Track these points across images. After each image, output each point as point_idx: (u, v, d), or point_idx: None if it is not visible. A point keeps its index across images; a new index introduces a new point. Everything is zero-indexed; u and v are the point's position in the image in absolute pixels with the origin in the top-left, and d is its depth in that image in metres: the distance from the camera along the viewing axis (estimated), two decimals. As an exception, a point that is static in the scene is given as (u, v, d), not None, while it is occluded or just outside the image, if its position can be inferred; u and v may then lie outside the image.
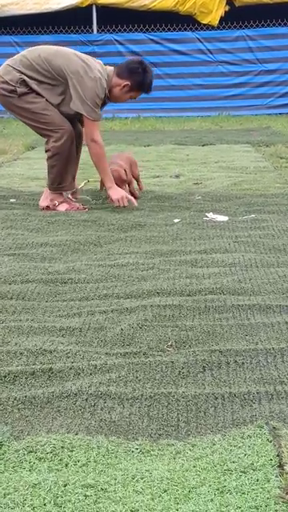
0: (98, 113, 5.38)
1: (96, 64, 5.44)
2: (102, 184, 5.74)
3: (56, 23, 14.19)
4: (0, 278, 3.84)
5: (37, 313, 3.37)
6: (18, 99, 5.41)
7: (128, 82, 5.46)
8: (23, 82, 5.38)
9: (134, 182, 6.08)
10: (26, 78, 5.37)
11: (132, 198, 5.56)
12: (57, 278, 3.85)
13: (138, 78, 5.48)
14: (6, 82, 5.39)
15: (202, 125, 12.59)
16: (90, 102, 5.30)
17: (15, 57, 5.57)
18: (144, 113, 13.99)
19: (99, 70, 5.38)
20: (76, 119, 5.60)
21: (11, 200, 5.93)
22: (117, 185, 5.56)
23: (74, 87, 5.30)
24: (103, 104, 5.54)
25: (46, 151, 5.56)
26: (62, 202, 5.62)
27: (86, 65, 5.34)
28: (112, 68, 5.52)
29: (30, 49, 5.66)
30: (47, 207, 5.57)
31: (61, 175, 5.55)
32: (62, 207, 5.59)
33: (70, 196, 5.74)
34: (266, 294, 3.56)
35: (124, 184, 5.73)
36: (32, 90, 5.40)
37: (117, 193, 5.49)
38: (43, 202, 5.64)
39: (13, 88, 5.38)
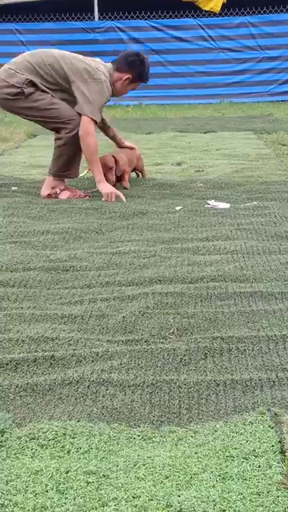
0: (99, 114, 5.44)
1: (99, 65, 5.48)
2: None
3: (57, 10, 14.15)
4: (2, 265, 3.84)
5: (38, 300, 3.37)
6: (24, 100, 5.40)
7: (129, 75, 5.55)
8: (30, 83, 5.37)
9: (133, 174, 6.07)
10: (32, 78, 5.37)
11: (121, 194, 5.47)
12: (58, 265, 3.84)
13: (137, 70, 5.58)
14: (13, 86, 5.37)
15: (204, 112, 12.57)
16: (97, 105, 5.36)
17: (16, 60, 5.54)
18: (146, 100, 13.98)
19: (103, 71, 5.44)
20: None
21: (13, 188, 5.92)
22: (104, 173, 5.56)
23: (80, 91, 5.34)
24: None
25: (57, 139, 5.55)
26: (63, 190, 5.64)
27: (90, 67, 5.38)
28: (111, 64, 5.59)
29: (31, 52, 5.65)
30: (49, 195, 5.57)
31: (68, 164, 5.58)
32: (64, 195, 5.61)
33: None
34: (268, 281, 3.55)
35: (109, 171, 5.66)
36: (37, 88, 5.39)
37: (105, 187, 5.47)
38: (45, 190, 5.63)
39: (19, 90, 5.36)
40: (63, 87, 5.43)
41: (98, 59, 5.66)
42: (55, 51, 5.66)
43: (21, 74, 5.38)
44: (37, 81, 5.38)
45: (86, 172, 6.09)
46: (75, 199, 5.51)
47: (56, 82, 5.42)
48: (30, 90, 5.38)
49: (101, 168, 5.50)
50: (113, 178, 5.67)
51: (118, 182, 5.79)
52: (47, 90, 5.41)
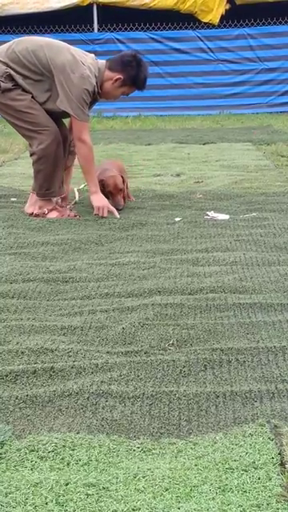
0: (85, 113, 5.04)
1: (87, 59, 5.08)
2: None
3: (57, 22, 14.18)
4: (1, 277, 3.84)
5: (38, 312, 3.37)
6: (1, 95, 5.06)
7: (120, 76, 5.09)
8: (9, 77, 5.03)
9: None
10: (11, 71, 5.02)
11: (114, 209, 5.23)
12: (58, 276, 3.85)
13: (131, 72, 5.10)
14: None
15: (203, 123, 12.59)
16: (77, 101, 4.96)
17: (1, 47, 5.16)
18: (145, 111, 14.00)
19: (89, 65, 5.02)
20: (62, 118, 5.33)
21: (12, 199, 5.92)
22: (111, 192, 5.36)
23: (61, 84, 4.95)
24: (94, 101, 5.26)
25: (31, 155, 5.21)
26: (51, 210, 5.29)
27: (75, 60, 4.97)
28: (104, 62, 5.15)
29: (18, 39, 5.25)
30: (36, 215, 5.25)
31: (48, 180, 5.21)
32: (52, 215, 5.26)
33: (59, 201, 5.37)
34: (268, 292, 3.56)
35: (120, 193, 5.42)
36: (17, 86, 5.05)
37: (99, 200, 5.18)
38: (29, 208, 5.34)
39: None
40: (47, 77, 5.03)
41: (91, 54, 5.23)
42: (44, 39, 5.35)
43: (1, 63, 5.02)
44: (19, 71, 5.00)
45: (83, 186, 5.97)
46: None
47: (40, 72, 5.02)
48: (8, 85, 5.02)
49: (96, 179, 5.22)
50: (121, 201, 5.39)
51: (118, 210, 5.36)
52: (28, 89, 5.05)
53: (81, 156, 5.15)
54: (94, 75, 5.03)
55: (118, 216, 5.19)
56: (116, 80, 5.11)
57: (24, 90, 5.07)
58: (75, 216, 5.27)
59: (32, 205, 5.32)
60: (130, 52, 5.38)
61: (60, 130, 5.21)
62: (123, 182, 5.46)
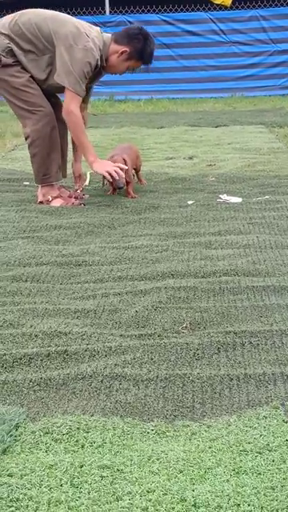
0: (82, 86, 4.88)
1: (92, 31, 4.98)
2: (104, 178, 5.29)
3: (68, 5, 14.12)
4: (15, 260, 3.85)
5: (51, 295, 3.37)
6: (0, 69, 4.96)
7: (126, 49, 5.00)
8: (10, 52, 4.95)
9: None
10: (13, 46, 4.94)
11: (120, 164, 5.02)
12: (71, 260, 3.85)
13: (137, 45, 5.02)
14: None
15: (215, 106, 12.54)
16: (77, 74, 4.82)
17: (4, 20, 5.07)
18: (157, 94, 13.95)
19: (93, 38, 4.91)
20: (60, 93, 5.17)
21: (25, 183, 5.93)
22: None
23: (61, 56, 4.84)
24: (98, 75, 5.17)
25: (26, 138, 5.12)
26: (55, 197, 5.18)
27: (79, 32, 4.86)
28: (110, 35, 5.09)
29: (23, 11, 5.12)
30: (40, 202, 5.18)
31: (44, 164, 5.11)
32: (57, 202, 5.16)
33: (60, 187, 5.29)
34: (281, 275, 3.55)
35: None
36: (17, 63, 4.97)
37: (102, 166, 4.97)
38: (38, 198, 5.25)
39: None
40: (49, 51, 4.93)
41: (97, 28, 5.14)
42: (49, 11, 5.18)
43: (4, 36, 4.93)
44: (20, 45, 4.92)
45: (89, 176, 5.87)
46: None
47: (43, 46, 4.93)
48: (9, 60, 4.94)
49: (92, 148, 5.03)
50: (123, 180, 5.09)
51: (120, 188, 5.22)
52: (28, 67, 4.95)
53: (70, 127, 5.01)
54: (98, 48, 4.93)
55: (124, 175, 5.01)
56: (122, 53, 5.03)
57: (23, 68, 5.00)
58: (80, 204, 5.16)
59: (39, 194, 5.25)
60: (136, 26, 5.28)
61: (56, 113, 5.11)
62: (125, 163, 5.19)
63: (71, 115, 4.93)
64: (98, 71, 5.07)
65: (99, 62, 4.97)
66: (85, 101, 5.32)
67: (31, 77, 5.02)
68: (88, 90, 5.17)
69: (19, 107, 5.06)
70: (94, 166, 5.00)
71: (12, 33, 4.95)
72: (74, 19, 5.10)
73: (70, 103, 4.90)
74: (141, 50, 5.05)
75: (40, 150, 5.08)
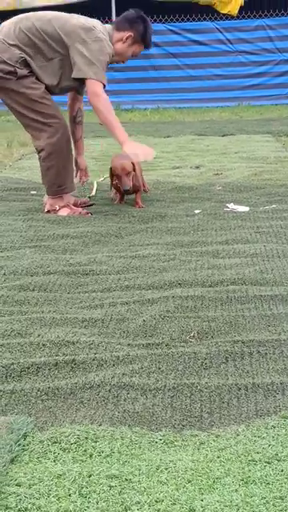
0: (104, 75, 4.88)
1: (95, 23, 5.00)
2: (114, 188, 5.36)
3: (75, 13, 14.18)
4: (22, 269, 3.85)
5: (59, 304, 3.37)
6: (15, 82, 4.88)
7: (131, 33, 5.04)
8: (23, 62, 4.89)
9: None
10: (26, 56, 4.89)
11: (149, 148, 5.00)
12: (78, 269, 3.85)
13: (139, 28, 5.07)
14: (4, 62, 4.85)
15: (222, 115, 12.55)
16: (99, 64, 4.82)
17: (6, 28, 4.98)
18: (163, 104, 13.97)
19: (100, 30, 4.94)
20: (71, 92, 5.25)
21: (32, 192, 5.94)
22: (118, 175, 5.11)
23: (79, 52, 4.81)
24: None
25: (40, 151, 5.07)
26: (63, 207, 5.15)
27: (87, 26, 4.89)
28: (109, 25, 5.15)
29: (21, 16, 5.06)
30: (47, 211, 5.16)
31: (60, 176, 5.08)
32: (64, 212, 5.13)
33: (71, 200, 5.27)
34: (289, 284, 3.54)
35: (127, 176, 5.11)
36: (31, 73, 4.92)
37: (132, 147, 4.89)
38: (45, 208, 5.23)
39: (12, 69, 4.86)
40: (58, 54, 4.91)
41: (96, 20, 5.14)
42: (49, 12, 5.17)
43: (15, 47, 4.87)
44: (29, 53, 4.88)
45: (103, 178, 5.91)
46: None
47: (53, 49, 4.90)
48: (24, 72, 4.88)
49: (122, 128, 4.90)
50: (130, 182, 5.12)
51: (128, 194, 5.33)
52: (41, 76, 4.92)
53: (99, 111, 4.86)
54: (107, 38, 4.97)
55: (155, 154, 5.03)
56: (127, 38, 5.06)
57: (37, 78, 4.96)
58: (87, 214, 5.14)
59: (47, 205, 5.23)
60: (132, 10, 5.25)
61: None
62: (134, 168, 5.19)
63: (100, 98, 4.83)
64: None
65: (112, 51, 5.00)
66: (81, 92, 5.35)
67: (46, 88, 4.99)
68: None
69: (33, 119, 4.99)
70: (124, 146, 4.88)
71: (19, 41, 4.90)
72: (74, 15, 5.10)
73: (96, 88, 4.83)
74: (143, 32, 5.10)
75: (56, 162, 5.04)
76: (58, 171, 5.07)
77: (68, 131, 5.11)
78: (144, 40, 5.13)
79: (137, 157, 4.94)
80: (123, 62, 5.30)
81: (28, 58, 4.90)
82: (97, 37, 4.86)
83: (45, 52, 4.93)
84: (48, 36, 4.90)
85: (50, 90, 5.05)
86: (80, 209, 5.24)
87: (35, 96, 4.94)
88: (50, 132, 4.98)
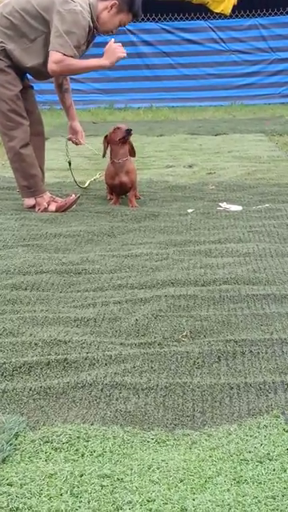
0: (71, 49, 4.73)
1: None
2: (108, 190, 5.46)
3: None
4: (14, 268, 3.84)
5: (51, 303, 3.37)
6: None
7: (115, 1, 4.88)
8: (2, 52, 4.86)
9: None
10: (6, 46, 4.85)
11: (119, 45, 4.92)
12: (71, 268, 3.85)
13: None
14: None
15: (215, 114, 12.55)
16: (69, 37, 4.72)
17: None
18: (156, 103, 13.95)
19: (79, 2, 4.81)
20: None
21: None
22: (115, 142, 5.18)
23: (54, 26, 4.73)
24: (92, 38, 5.04)
25: (7, 153, 5.10)
26: (49, 203, 5.19)
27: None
28: None
29: (3, 3, 4.97)
30: (41, 212, 5.15)
31: (27, 178, 5.12)
32: (53, 206, 5.17)
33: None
34: (281, 283, 3.54)
35: (121, 145, 5.20)
36: (10, 66, 4.86)
37: (110, 55, 4.86)
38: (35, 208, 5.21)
39: None
40: (40, 32, 4.83)
41: None
42: None
43: None
44: (12, 37, 4.82)
45: (98, 175, 5.94)
46: (69, 204, 5.17)
47: (35, 29, 4.82)
48: (2, 64, 4.84)
49: (93, 60, 4.90)
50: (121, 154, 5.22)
51: (124, 194, 5.44)
52: (23, 60, 4.83)
53: (70, 70, 4.87)
54: (86, 11, 4.85)
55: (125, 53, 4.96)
56: (112, 6, 4.92)
57: (22, 63, 4.88)
58: (74, 196, 5.19)
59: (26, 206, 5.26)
60: None
61: (36, 126, 5.15)
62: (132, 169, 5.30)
63: (62, 62, 4.75)
64: (91, 34, 4.99)
65: (91, 24, 4.89)
66: None
67: (20, 91, 4.96)
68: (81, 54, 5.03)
69: (5, 119, 4.98)
70: (103, 63, 4.90)
71: (2, 27, 4.86)
72: None
73: (56, 57, 4.73)
74: (129, 0, 4.93)
75: (19, 165, 5.08)
76: (24, 173, 5.10)
77: (28, 137, 5.04)
78: (131, 8, 4.96)
79: (115, 58, 4.87)
80: (112, 32, 5.12)
81: (7, 47, 4.84)
82: (72, 9, 4.74)
83: (27, 33, 4.87)
84: (28, 15, 4.84)
85: (39, 72, 5.00)
86: (67, 198, 5.23)
87: (5, 96, 4.92)
88: (9, 136, 5.00)
